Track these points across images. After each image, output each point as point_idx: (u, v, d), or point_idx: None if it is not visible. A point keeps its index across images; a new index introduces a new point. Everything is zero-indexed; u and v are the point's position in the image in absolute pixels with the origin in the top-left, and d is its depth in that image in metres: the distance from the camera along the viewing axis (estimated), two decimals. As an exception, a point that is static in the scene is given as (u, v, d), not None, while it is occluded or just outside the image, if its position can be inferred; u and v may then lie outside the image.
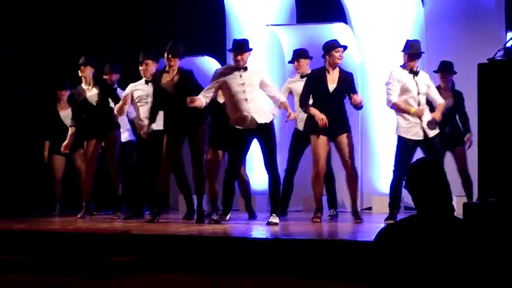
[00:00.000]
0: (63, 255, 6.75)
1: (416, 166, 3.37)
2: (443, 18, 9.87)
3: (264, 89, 8.08)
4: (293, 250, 6.39)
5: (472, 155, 8.06)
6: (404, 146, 7.89)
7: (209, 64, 10.70)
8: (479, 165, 5.11)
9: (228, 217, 8.18)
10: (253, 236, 7.30)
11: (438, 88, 8.41)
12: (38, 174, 10.53)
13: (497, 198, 4.89)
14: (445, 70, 8.64)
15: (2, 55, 10.67)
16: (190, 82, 8.28)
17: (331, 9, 10.58)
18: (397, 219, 3.33)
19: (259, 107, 7.97)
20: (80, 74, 9.13)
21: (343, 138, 8.09)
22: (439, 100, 8.04)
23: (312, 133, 8.14)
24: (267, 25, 10.28)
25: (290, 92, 9.08)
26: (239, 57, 7.97)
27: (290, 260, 6.34)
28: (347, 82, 8.18)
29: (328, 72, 8.21)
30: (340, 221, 8.53)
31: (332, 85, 8.15)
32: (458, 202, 7.20)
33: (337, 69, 8.24)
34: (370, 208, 10.11)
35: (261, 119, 7.92)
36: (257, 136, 7.97)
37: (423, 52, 8.16)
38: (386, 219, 7.88)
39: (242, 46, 8.01)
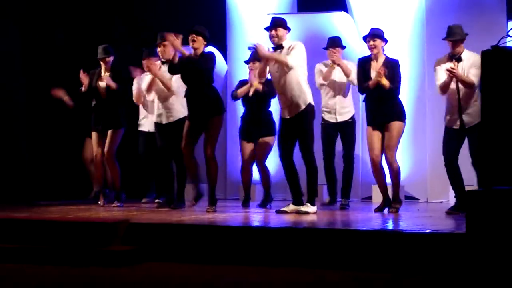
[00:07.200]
0: (63, 244, 6.73)
1: None
2: (445, 7, 9.84)
3: None
4: (294, 239, 6.36)
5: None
6: (446, 135, 7.92)
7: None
8: (482, 153, 5.09)
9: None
10: (253, 225, 7.28)
11: None
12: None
13: (500, 186, 4.87)
14: None
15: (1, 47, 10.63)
16: (209, 62, 8.25)
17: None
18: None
19: (289, 96, 7.90)
20: (103, 67, 9.22)
21: (390, 125, 8.07)
22: (473, 80, 7.78)
23: (367, 124, 8.22)
24: (268, 14, 10.25)
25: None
26: (273, 32, 8.00)
27: (290, 248, 6.31)
28: (391, 69, 8.08)
29: (373, 60, 8.19)
30: (336, 209, 8.59)
31: (374, 72, 8.11)
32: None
33: (382, 57, 8.19)
34: (370, 198, 10.15)
35: (290, 113, 7.94)
36: (292, 124, 7.97)
37: (467, 34, 7.97)
38: (451, 209, 7.79)
39: (275, 22, 8.04)
